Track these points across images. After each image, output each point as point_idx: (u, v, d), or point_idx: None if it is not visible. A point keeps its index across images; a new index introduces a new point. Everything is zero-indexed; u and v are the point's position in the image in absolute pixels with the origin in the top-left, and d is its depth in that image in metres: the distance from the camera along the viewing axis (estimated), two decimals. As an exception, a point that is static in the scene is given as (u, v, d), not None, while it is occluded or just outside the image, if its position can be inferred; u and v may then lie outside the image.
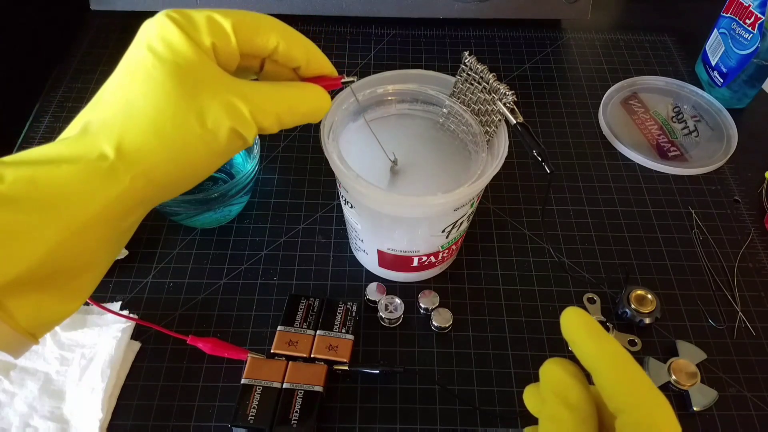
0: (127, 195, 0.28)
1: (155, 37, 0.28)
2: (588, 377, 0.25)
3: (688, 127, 0.61)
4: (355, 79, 0.36)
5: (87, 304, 0.43)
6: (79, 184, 0.27)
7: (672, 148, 0.59)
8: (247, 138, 0.30)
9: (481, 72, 0.40)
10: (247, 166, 0.49)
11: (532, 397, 0.28)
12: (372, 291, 0.47)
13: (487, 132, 0.41)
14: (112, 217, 0.28)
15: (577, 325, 0.25)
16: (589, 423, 0.24)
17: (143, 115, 0.27)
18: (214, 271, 0.50)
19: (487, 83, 0.39)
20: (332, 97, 0.36)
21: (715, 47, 0.63)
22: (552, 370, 0.26)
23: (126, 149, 0.27)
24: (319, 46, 0.33)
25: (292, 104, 0.32)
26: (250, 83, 0.30)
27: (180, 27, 0.28)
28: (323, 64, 0.34)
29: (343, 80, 0.35)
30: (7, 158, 0.27)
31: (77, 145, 0.27)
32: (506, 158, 0.39)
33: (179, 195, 0.31)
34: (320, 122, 0.40)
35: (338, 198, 0.49)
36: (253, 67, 0.33)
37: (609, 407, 0.24)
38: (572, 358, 0.26)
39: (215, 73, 0.29)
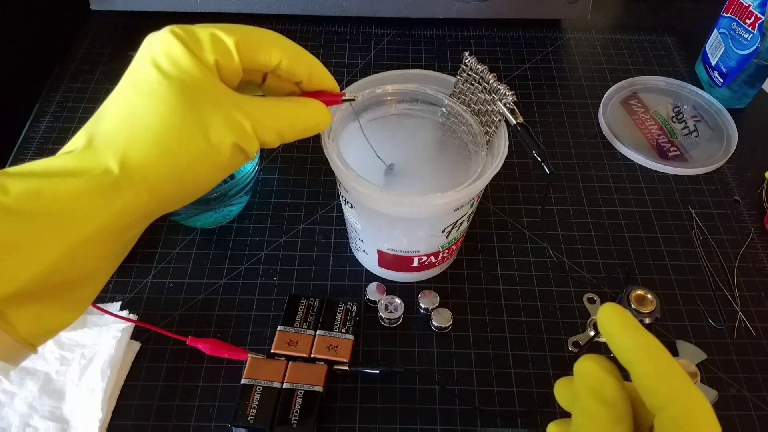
0: (130, 209, 0.28)
1: (160, 54, 0.28)
2: (623, 374, 0.25)
3: (688, 127, 0.61)
4: (356, 97, 0.36)
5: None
6: (84, 198, 0.27)
7: (672, 148, 0.59)
8: (249, 153, 0.30)
9: (481, 72, 0.40)
10: (247, 166, 0.49)
11: (564, 391, 0.28)
12: (372, 291, 0.47)
13: (487, 132, 0.41)
14: (114, 230, 0.28)
15: (615, 319, 0.25)
16: (625, 420, 0.24)
17: (148, 130, 0.28)
18: (214, 271, 0.50)
19: (488, 83, 0.39)
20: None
21: (715, 47, 0.63)
22: (587, 365, 0.26)
23: (130, 164, 0.28)
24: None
25: (292, 120, 0.32)
26: (252, 99, 0.30)
27: (184, 44, 0.28)
28: (325, 79, 0.34)
29: (343, 97, 0.35)
30: (11, 169, 0.27)
31: (82, 159, 0.28)
32: (506, 158, 0.39)
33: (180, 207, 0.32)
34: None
35: (338, 198, 0.49)
36: (256, 81, 0.33)
37: (647, 404, 0.24)
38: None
39: (219, 89, 0.29)
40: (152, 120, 0.28)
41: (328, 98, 0.34)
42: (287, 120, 0.32)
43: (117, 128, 0.28)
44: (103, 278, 0.30)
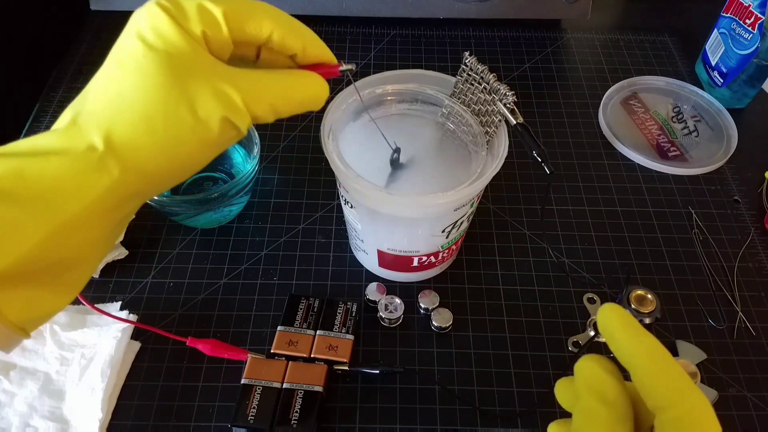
0: (118, 188, 0.27)
1: (145, 26, 0.27)
2: (623, 374, 0.25)
3: (688, 127, 0.61)
4: (354, 67, 0.35)
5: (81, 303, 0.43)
6: (68, 176, 0.26)
7: (672, 148, 0.59)
8: (241, 127, 0.29)
9: (481, 72, 0.40)
10: (247, 166, 0.49)
11: (565, 391, 0.28)
12: (372, 291, 0.47)
13: (487, 132, 0.41)
14: (102, 210, 0.27)
15: (615, 320, 0.25)
16: (626, 420, 0.24)
17: (133, 105, 0.27)
18: (214, 271, 0.50)
19: (488, 83, 0.39)
20: (335, 89, 0.34)
21: (715, 47, 0.63)
22: (588, 366, 0.26)
23: (116, 140, 0.27)
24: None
25: (286, 92, 0.31)
26: (242, 71, 0.29)
27: (170, 15, 0.27)
28: (321, 52, 0.33)
29: (341, 68, 0.34)
30: None
31: (66, 137, 0.27)
32: (506, 158, 0.39)
33: (173, 188, 0.31)
34: (321, 122, 0.40)
35: (338, 198, 0.49)
36: (249, 56, 0.32)
37: (647, 404, 0.24)
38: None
39: (206, 61, 0.28)
40: (137, 94, 0.27)
41: (324, 70, 0.33)
42: (281, 92, 0.30)
43: (101, 104, 0.27)
44: (94, 261, 0.30)
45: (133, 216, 0.31)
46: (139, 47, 0.27)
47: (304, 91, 0.32)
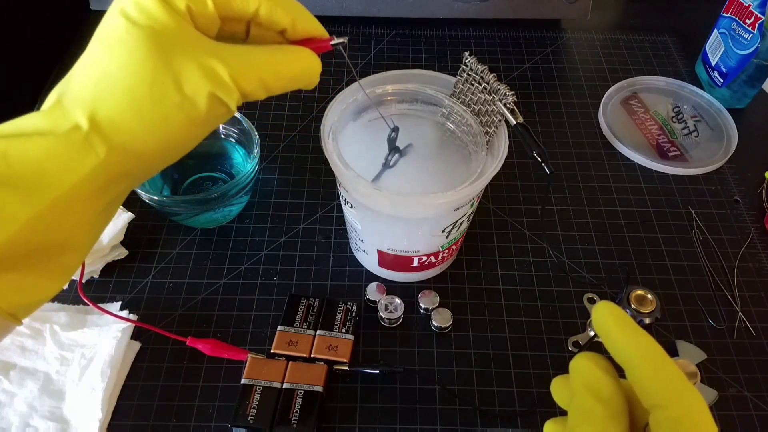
0: (105, 168, 0.27)
1: (128, 3, 0.27)
2: (618, 372, 0.25)
3: (688, 127, 0.61)
4: (345, 40, 0.34)
5: (86, 304, 0.43)
6: (53, 156, 0.26)
7: (672, 148, 0.59)
8: (229, 104, 0.28)
9: (481, 72, 0.40)
10: (247, 166, 0.49)
11: (560, 389, 0.28)
12: (372, 291, 0.47)
13: (487, 132, 0.41)
14: (89, 191, 0.27)
15: (611, 318, 0.25)
16: (621, 418, 0.24)
17: (117, 82, 0.26)
18: (214, 271, 0.50)
19: (488, 84, 0.39)
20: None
21: (715, 47, 0.63)
22: (583, 363, 0.26)
23: (101, 119, 0.26)
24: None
25: (276, 67, 0.30)
26: (229, 46, 0.29)
27: None
28: (312, 26, 0.32)
29: (332, 42, 0.33)
30: None
31: (50, 117, 0.26)
32: (506, 158, 0.39)
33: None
34: (321, 122, 0.40)
35: (338, 198, 0.49)
36: (239, 33, 0.32)
37: (643, 402, 0.24)
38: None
39: (192, 36, 0.27)
40: (121, 71, 0.26)
41: (315, 45, 0.32)
42: (270, 67, 0.30)
43: (85, 83, 0.27)
44: (84, 245, 0.29)
45: (123, 201, 0.30)
46: (122, 24, 0.27)
47: (294, 66, 0.31)
